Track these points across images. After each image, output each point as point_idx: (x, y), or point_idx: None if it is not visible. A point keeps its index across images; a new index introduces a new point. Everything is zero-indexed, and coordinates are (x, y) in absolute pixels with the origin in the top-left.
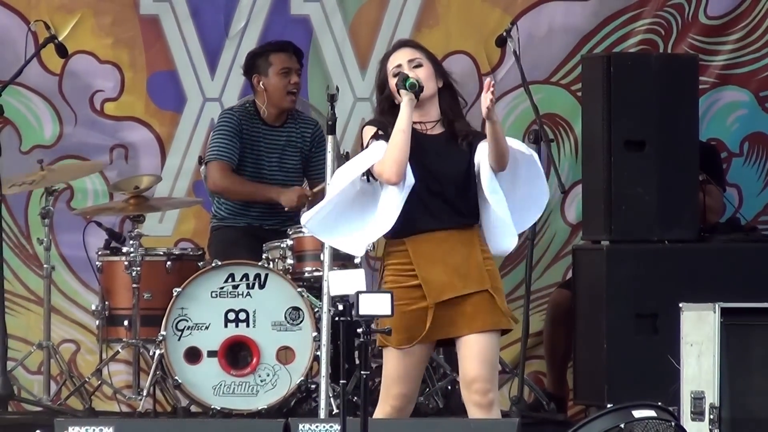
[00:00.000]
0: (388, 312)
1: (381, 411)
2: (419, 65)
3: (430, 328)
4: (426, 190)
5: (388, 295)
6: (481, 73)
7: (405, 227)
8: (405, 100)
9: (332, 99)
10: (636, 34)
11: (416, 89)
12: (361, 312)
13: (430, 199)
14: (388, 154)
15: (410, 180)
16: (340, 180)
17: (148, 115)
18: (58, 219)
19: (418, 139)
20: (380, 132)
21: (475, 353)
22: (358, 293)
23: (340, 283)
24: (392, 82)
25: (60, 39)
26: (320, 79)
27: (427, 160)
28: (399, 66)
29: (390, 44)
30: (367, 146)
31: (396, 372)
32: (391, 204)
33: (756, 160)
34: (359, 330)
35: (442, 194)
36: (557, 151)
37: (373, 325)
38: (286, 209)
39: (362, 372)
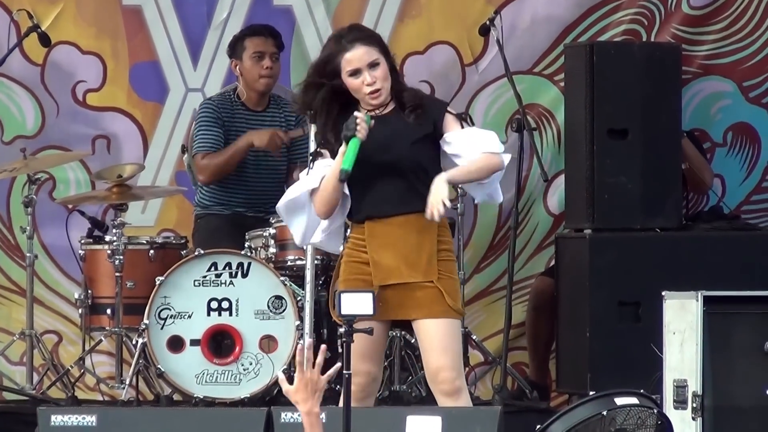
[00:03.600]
0: (370, 311)
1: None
2: (376, 64)
3: (378, 307)
4: (386, 174)
5: (370, 294)
6: (464, 64)
7: (363, 213)
8: (342, 149)
9: None
10: (619, 24)
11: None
12: (343, 311)
13: (390, 182)
14: (318, 195)
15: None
16: (291, 195)
17: (131, 105)
18: (40, 210)
19: (375, 121)
20: (320, 150)
21: (435, 343)
22: (338, 292)
23: (351, 303)
24: (349, 81)
25: (42, 29)
26: (303, 70)
27: (383, 142)
28: (358, 72)
29: None
30: (311, 163)
31: (354, 348)
32: (315, 224)
33: (739, 150)
34: (340, 330)
35: (402, 178)
36: (540, 141)
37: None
38: (264, 148)
39: (345, 372)
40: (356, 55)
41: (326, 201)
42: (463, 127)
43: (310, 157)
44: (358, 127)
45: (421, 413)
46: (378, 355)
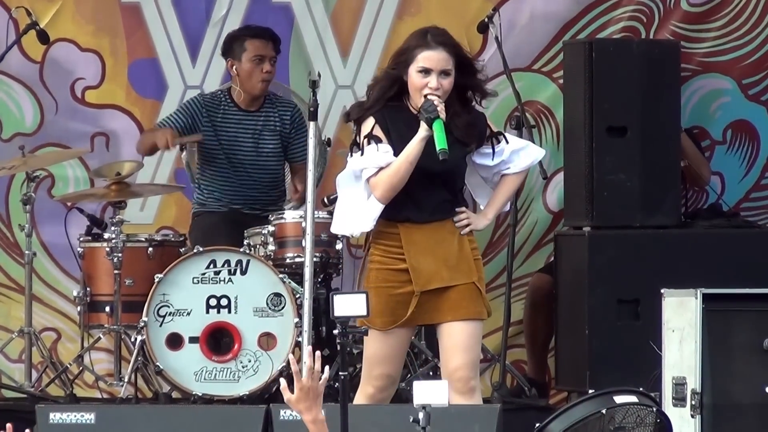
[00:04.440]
0: (364, 312)
1: (363, 393)
2: (448, 74)
3: (413, 314)
4: (432, 182)
5: (363, 296)
6: None
7: (402, 213)
8: (422, 133)
9: (314, 85)
10: (618, 21)
11: (443, 155)
12: (337, 313)
13: (434, 189)
14: (387, 179)
15: None
16: (346, 184)
17: (129, 102)
18: (39, 207)
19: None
20: (375, 133)
21: (458, 342)
22: (332, 294)
23: (344, 305)
24: (414, 76)
25: (41, 26)
26: (301, 67)
27: (433, 153)
28: (429, 72)
29: (371, 32)
30: (364, 141)
31: (379, 353)
32: (373, 211)
33: (738, 148)
34: (335, 332)
35: (446, 187)
36: (539, 139)
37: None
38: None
39: (341, 373)
40: (435, 56)
41: (396, 185)
42: (499, 141)
43: (365, 141)
44: (438, 109)
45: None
46: (399, 358)
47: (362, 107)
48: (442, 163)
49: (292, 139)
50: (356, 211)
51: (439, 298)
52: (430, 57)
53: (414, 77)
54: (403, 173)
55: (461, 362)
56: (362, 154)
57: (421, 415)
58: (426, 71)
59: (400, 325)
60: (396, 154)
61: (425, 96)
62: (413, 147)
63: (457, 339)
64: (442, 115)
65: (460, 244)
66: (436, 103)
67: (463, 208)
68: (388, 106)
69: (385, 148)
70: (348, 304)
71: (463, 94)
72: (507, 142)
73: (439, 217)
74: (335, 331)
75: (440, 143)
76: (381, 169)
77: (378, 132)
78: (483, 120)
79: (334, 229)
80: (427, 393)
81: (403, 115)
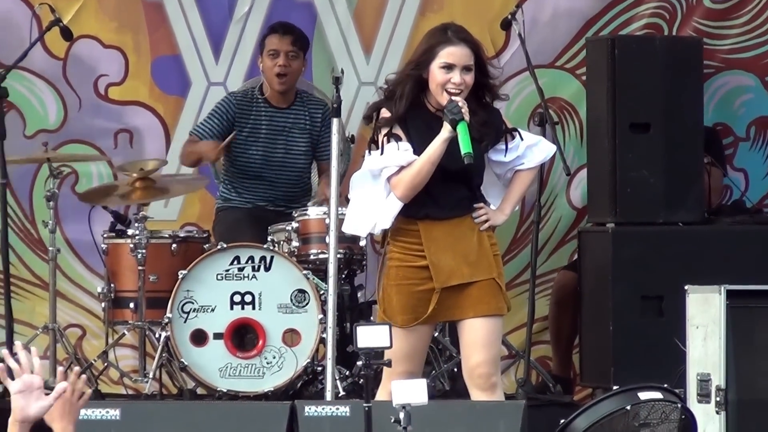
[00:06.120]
0: (387, 344)
1: (385, 389)
2: (470, 69)
3: (434, 310)
4: (452, 179)
5: (387, 327)
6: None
7: (421, 210)
8: (445, 134)
9: (337, 81)
10: (640, 18)
11: (468, 158)
12: (360, 345)
13: (454, 186)
14: (409, 178)
15: None
16: (362, 184)
17: (153, 99)
18: (63, 204)
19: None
20: (395, 132)
21: (479, 339)
22: (355, 326)
23: (367, 337)
24: (437, 71)
25: (64, 23)
26: (325, 64)
27: (455, 150)
28: (452, 67)
29: (394, 29)
30: (384, 140)
31: (400, 351)
32: (392, 209)
33: (762, 145)
34: (359, 363)
35: (466, 184)
36: (562, 135)
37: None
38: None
39: (365, 405)
40: (458, 52)
41: (417, 185)
42: (513, 137)
43: (385, 139)
44: (463, 111)
45: (448, 406)
46: (420, 355)
47: (389, 117)
48: (466, 165)
49: (321, 137)
50: (375, 210)
51: (459, 294)
52: (453, 52)
53: (436, 73)
54: (425, 173)
55: (482, 359)
56: (382, 153)
57: (401, 415)
58: (449, 67)
59: (421, 323)
60: (416, 152)
61: (449, 93)
62: (436, 147)
63: (478, 335)
64: (467, 117)
65: (479, 241)
66: (460, 104)
67: (482, 204)
68: (412, 111)
69: (405, 146)
70: (371, 336)
71: (478, 91)
72: (522, 138)
73: (458, 214)
74: (359, 363)
75: (465, 147)
76: (402, 167)
77: (398, 130)
78: (498, 116)
79: (346, 228)
80: (406, 392)
81: (422, 113)
